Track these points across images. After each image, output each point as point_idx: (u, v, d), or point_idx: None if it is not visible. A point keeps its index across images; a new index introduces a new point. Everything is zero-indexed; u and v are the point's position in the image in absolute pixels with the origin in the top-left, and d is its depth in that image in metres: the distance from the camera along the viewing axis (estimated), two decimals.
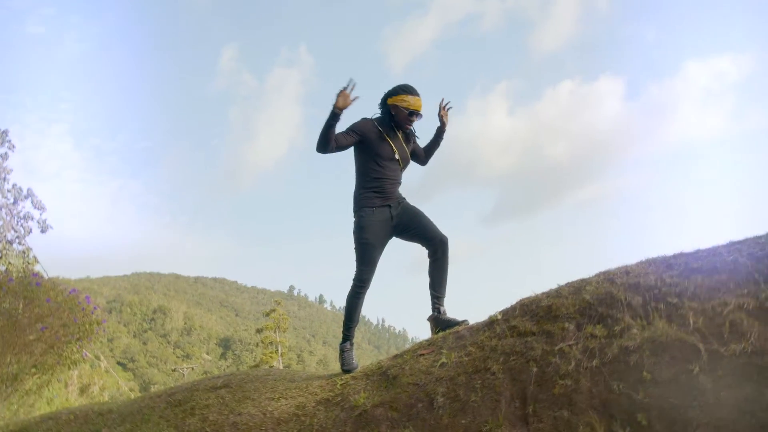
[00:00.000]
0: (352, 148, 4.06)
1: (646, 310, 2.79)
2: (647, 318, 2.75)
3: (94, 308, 7.65)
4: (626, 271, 3.14)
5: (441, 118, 4.32)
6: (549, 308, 3.11)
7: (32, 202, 12.02)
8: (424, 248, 4.06)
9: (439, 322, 3.94)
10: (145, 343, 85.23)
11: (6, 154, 12.00)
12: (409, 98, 3.97)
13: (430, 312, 4.01)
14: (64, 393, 9.74)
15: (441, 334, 3.67)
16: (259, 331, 48.19)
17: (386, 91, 4.07)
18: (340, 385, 3.64)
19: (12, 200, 11.54)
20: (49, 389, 8.38)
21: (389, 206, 4.00)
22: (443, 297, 4.04)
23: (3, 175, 11.51)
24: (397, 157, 4.03)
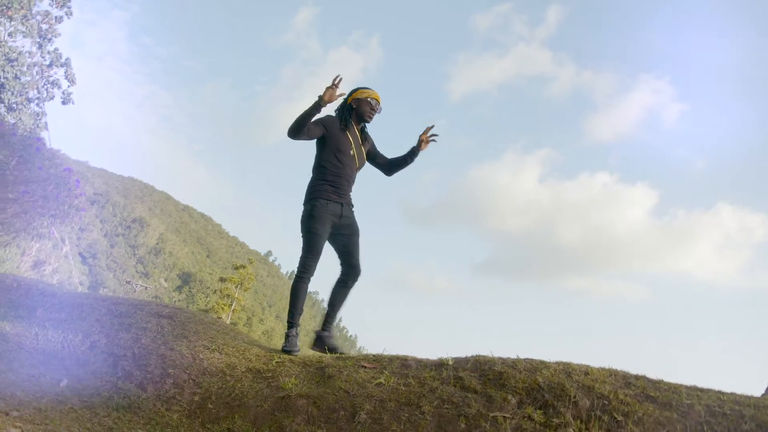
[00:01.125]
0: (314, 143, 4.25)
1: (590, 416, 2.77)
2: (587, 423, 2.72)
3: (80, 194, 7.64)
4: (586, 371, 3.12)
5: (420, 142, 4.35)
6: (500, 374, 3.09)
7: (66, 72, 12.05)
8: (341, 265, 4.26)
9: (325, 341, 4.18)
10: (112, 246, 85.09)
11: (62, 17, 12.03)
12: (369, 91, 4.26)
13: (350, 331, 4.18)
14: (17, 260, 9.70)
15: (388, 355, 3.64)
16: (222, 280, 48.06)
17: (344, 97, 4.28)
18: (276, 362, 3.62)
19: (48, 62, 11.56)
20: (5, 251, 8.36)
21: (341, 204, 4.15)
22: (335, 318, 4.32)
23: (50, 36, 11.53)
24: (352, 152, 4.21)
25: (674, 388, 3.01)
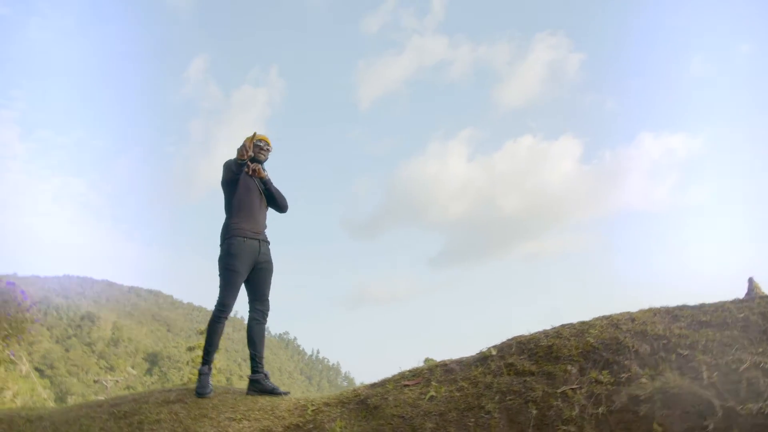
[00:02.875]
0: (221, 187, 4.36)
1: (655, 360, 2.67)
2: (656, 368, 2.62)
3: (31, 305, 7.09)
4: (631, 318, 3.03)
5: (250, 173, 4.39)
6: (549, 348, 2.96)
7: None
8: (251, 302, 4.25)
9: (262, 383, 4.03)
10: (67, 350, 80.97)
11: None
12: (258, 134, 4.41)
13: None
14: None
15: (427, 365, 3.46)
16: (190, 349, 46.21)
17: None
18: (312, 411, 3.37)
19: None
20: None
21: (258, 240, 4.23)
22: (263, 358, 4.20)
23: None
24: (259, 192, 4.38)
25: (721, 307, 2.96)
